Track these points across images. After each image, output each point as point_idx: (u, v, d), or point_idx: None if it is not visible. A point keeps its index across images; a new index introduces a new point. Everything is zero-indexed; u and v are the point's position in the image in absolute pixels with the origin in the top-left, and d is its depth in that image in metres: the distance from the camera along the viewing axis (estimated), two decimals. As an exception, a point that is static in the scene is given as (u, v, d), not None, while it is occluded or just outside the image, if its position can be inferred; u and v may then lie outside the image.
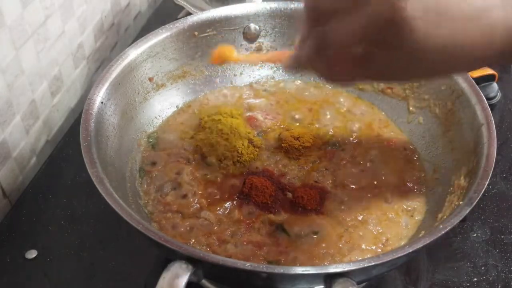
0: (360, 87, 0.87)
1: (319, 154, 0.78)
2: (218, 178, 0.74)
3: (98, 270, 0.72)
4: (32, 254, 0.72)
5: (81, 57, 0.96)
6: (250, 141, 0.78)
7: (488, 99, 0.90)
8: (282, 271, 0.52)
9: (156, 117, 0.82)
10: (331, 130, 0.82)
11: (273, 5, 0.86)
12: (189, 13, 0.99)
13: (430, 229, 0.63)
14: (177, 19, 0.84)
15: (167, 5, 1.20)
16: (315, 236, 0.67)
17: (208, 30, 0.84)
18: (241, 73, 0.89)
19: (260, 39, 0.88)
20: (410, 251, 0.54)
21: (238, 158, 0.75)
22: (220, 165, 0.75)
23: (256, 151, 0.77)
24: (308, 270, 0.51)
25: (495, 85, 0.98)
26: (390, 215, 0.70)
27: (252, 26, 0.87)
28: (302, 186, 0.73)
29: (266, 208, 0.70)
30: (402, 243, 0.67)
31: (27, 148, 0.83)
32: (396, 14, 0.40)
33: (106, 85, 0.71)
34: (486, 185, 0.60)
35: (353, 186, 0.74)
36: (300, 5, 0.86)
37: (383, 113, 0.85)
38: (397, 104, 0.84)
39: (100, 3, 0.99)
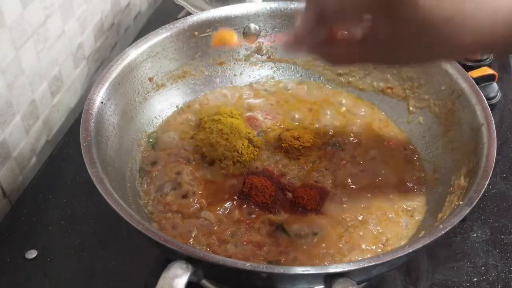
0: (360, 87, 0.87)
1: (319, 154, 0.78)
2: (218, 178, 0.74)
3: (98, 270, 0.72)
4: (32, 254, 0.72)
5: (81, 57, 0.96)
6: (250, 141, 0.78)
7: (488, 99, 0.90)
8: (282, 271, 0.52)
9: (156, 117, 0.82)
10: (331, 130, 0.82)
11: (273, 5, 0.86)
12: (189, 13, 0.99)
13: (430, 229, 0.63)
14: (177, 19, 0.84)
15: (167, 5, 1.20)
16: (315, 236, 0.67)
17: (208, 30, 0.84)
18: (241, 73, 0.90)
19: (260, 39, 0.88)
20: (410, 251, 0.54)
21: (238, 158, 0.75)
22: (220, 165, 0.75)
23: (256, 151, 0.77)
24: (308, 270, 0.51)
25: (495, 85, 0.98)
26: (390, 215, 0.70)
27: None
28: (302, 186, 0.73)
29: (266, 208, 0.70)
30: (402, 243, 0.67)
31: (27, 148, 0.83)
32: None
33: (106, 85, 0.71)
34: (486, 185, 0.60)
35: (353, 186, 0.74)
36: (300, 5, 0.86)
37: (383, 113, 0.85)
38: (397, 104, 0.84)
39: (100, 3, 0.99)
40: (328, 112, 0.85)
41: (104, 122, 0.70)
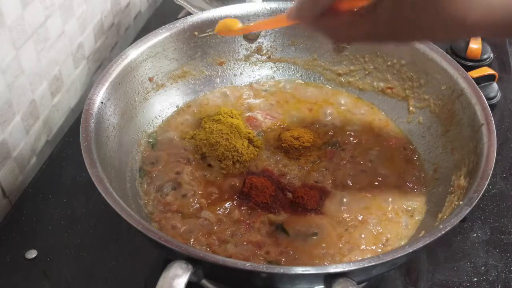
0: (360, 87, 0.87)
1: (319, 154, 0.78)
2: (218, 178, 0.74)
3: (98, 270, 0.72)
4: (32, 254, 0.72)
5: (81, 57, 0.96)
6: (250, 141, 0.78)
7: (488, 99, 0.91)
8: (282, 271, 0.52)
9: (156, 117, 0.82)
10: (331, 130, 0.82)
11: (273, 5, 0.86)
12: (189, 13, 0.99)
13: (430, 229, 0.63)
14: (177, 19, 0.84)
15: (167, 5, 1.20)
16: (315, 236, 0.67)
17: (208, 30, 0.84)
18: (241, 73, 0.90)
19: (260, 39, 0.89)
20: (410, 251, 0.54)
21: (238, 158, 0.75)
22: (220, 165, 0.75)
23: (256, 151, 0.77)
24: (308, 270, 0.51)
25: (495, 85, 0.98)
26: (390, 215, 0.70)
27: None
28: (302, 186, 0.73)
29: (266, 208, 0.70)
30: (402, 243, 0.67)
31: (27, 148, 0.83)
32: None
33: (106, 85, 0.71)
34: (486, 185, 0.60)
35: (353, 186, 0.74)
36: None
37: (383, 113, 0.85)
38: (397, 104, 0.84)
39: (100, 3, 0.99)
40: (328, 112, 0.85)
41: (104, 122, 0.70)
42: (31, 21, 0.78)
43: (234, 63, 0.89)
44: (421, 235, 0.65)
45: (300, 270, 0.52)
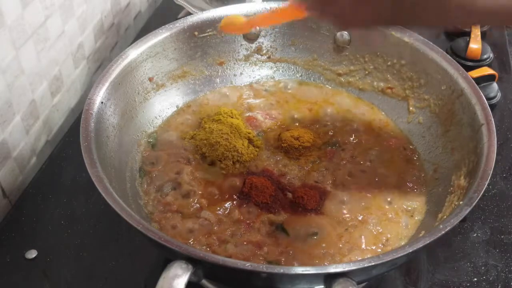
0: (360, 87, 0.87)
1: (319, 154, 0.78)
2: (218, 178, 0.74)
3: (98, 270, 0.72)
4: (32, 254, 0.72)
5: (81, 57, 0.96)
6: (250, 141, 0.78)
7: (488, 99, 0.91)
8: (282, 271, 0.52)
9: (156, 117, 0.82)
10: (331, 130, 0.82)
11: (273, 4, 0.86)
12: (189, 13, 0.99)
13: (430, 229, 0.63)
14: (177, 19, 0.84)
15: (167, 5, 1.20)
16: (315, 236, 0.67)
17: (208, 30, 0.84)
18: (241, 73, 0.90)
19: (260, 39, 0.89)
20: (410, 251, 0.54)
21: (238, 158, 0.75)
22: (220, 165, 0.75)
23: (256, 151, 0.77)
24: (308, 270, 0.51)
25: (495, 85, 0.98)
26: (390, 215, 0.70)
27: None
28: (302, 186, 0.73)
29: (266, 208, 0.70)
30: (402, 243, 0.67)
31: (27, 148, 0.83)
32: None
33: (106, 85, 0.71)
34: (486, 185, 0.60)
35: (353, 186, 0.74)
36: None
37: (383, 113, 0.85)
38: (397, 104, 0.84)
39: (100, 3, 0.99)
40: (328, 112, 0.85)
41: (104, 122, 0.70)
42: (31, 21, 0.78)
43: (234, 63, 0.89)
44: (421, 235, 0.65)
45: (300, 270, 0.52)
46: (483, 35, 1.11)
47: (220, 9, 0.85)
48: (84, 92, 0.99)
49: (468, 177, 0.65)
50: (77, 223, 0.77)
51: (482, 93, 0.72)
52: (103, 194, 0.58)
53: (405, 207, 0.72)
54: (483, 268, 0.72)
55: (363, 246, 0.67)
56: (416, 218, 0.70)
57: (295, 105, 0.86)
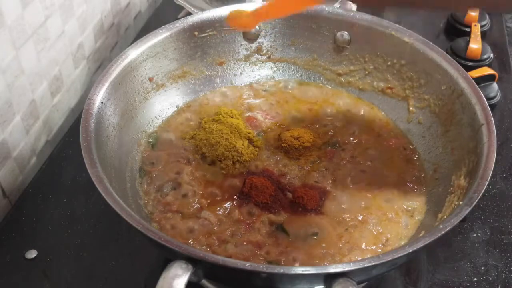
0: (360, 87, 0.87)
1: (319, 154, 0.78)
2: (218, 178, 0.74)
3: (98, 270, 0.72)
4: (32, 254, 0.73)
5: (81, 57, 0.96)
6: (250, 141, 0.78)
7: (488, 99, 0.91)
8: (282, 271, 0.52)
9: (156, 117, 0.82)
10: (331, 130, 0.82)
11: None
12: (189, 13, 0.99)
13: (430, 229, 0.63)
14: (177, 19, 0.84)
15: (167, 5, 1.20)
16: (315, 236, 0.67)
17: (208, 30, 0.84)
18: (241, 73, 0.90)
19: (260, 39, 0.89)
20: (410, 251, 0.54)
21: (238, 158, 0.75)
22: (220, 165, 0.75)
23: (256, 151, 0.77)
24: (308, 270, 0.51)
25: (495, 85, 0.98)
26: (390, 215, 0.70)
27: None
28: (302, 186, 0.73)
29: (266, 208, 0.70)
30: (402, 243, 0.67)
31: (27, 148, 0.83)
32: None
33: (106, 85, 0.71)
34: (486, 185, 0.60)
35: (353, 186, 0.74)
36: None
37: (383, 113, 0.85)
38: (397, 104, 0.84)
39: (100, 3, 0.99)
40: (328, 112, 0.85)
41: (104, 122, 0.70)
42: (31, 21, 0.78)
43: (234, 63, 0.89)
44: (421, 235, 0.65)
45: (300, 270, 0.52)
46: (483, 35, 1.11)
47: (220, 9, 0.85)
48: (84, 92, 0.99)
49: (468, 177, 0.65)
50: (77, 223, 0.77)
51: (482, 93, 0.72)
52: (103, 194, 0.58)
53: (405, 207, 0.72)
54: (483, 268, 0.72)
55: (363, 246, 0.67)
56: (416, 218, 0.70)
57: (295, 105, 0.86)
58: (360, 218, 0.70)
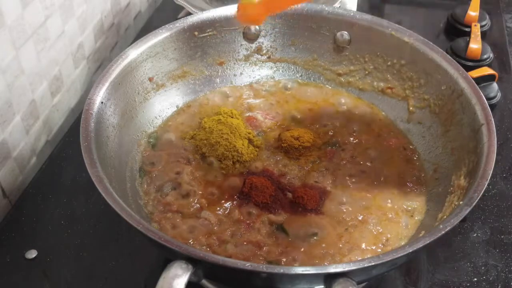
0: (360, 87, 0.87)
1: (319, 154, 0.78)
2: (218, 178, 0.74)
3: (98, 270, 0.72)
4: (32, 254, 0.72)
5: (81, 57, 0.96)
6: (250, 141, 0.78)
7: (488, 99, 0.91)
8: (282, 271, 0.52)
9: (156, 117, 0.82)
10: (331, 130, 0.82)
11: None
12: (189, 13, 0.99)
13: (430, 229, 0.63)
14: (177, 19, 0.84)
15: (167, 5, 1.20)
16: (315, 236, 0.67)
17: (208, 30, 0.84)
18: (241, 73, 0.90)
19: (260, 39, 0.89)
20: (410, 251, 0.54)
21: (238, 158, 0.75)
22: (220, 165, 0.75)
23: (256, 151, 0.77)
24: (308, 270, 0.51)
25: (495, 85, 0.98)
26: (390, 215, 0.70)
27: (252, 26, 0.87)
28: (302, 186, 0.73)
29: (266, 208, 0.70)
30: (402, 243, 0.67)
31: (27, 148, 0.83)
32: None
33: (106, 85, 0.71)
34: (486, 185, 0.60)
35: (353, 186, 0.74)
36: (300, 6, 0.86)
37: (383, 113, 0.85)
38: (397, 104, 0.84)
39: (100, 3, 0.99)
40: (328, 112, 0.85)
41: (104, 122, 0.70)
42: (31, 21, 0.78)
43: (234, 63, 0.89)
44: (421, 235, 0.65)
45: (300, 270, 0.52)
46: (483, 35, 1.11)
47: (220, 9, 0.85)
48: (84, 92, 0.99)
49: (468, 177, 0.65)
50: (77, 223, 0.77)
51: (482, 93, 0.72)
52: (103, 194, 0.58)
53: (405, 207, 0.72)
54: (483, 268, 0.72)
55: (363, 246, 0.67)
56: (416, 218, 0.70)
57: (295, 105, 0.86)
58: (360, 218, 0.70)
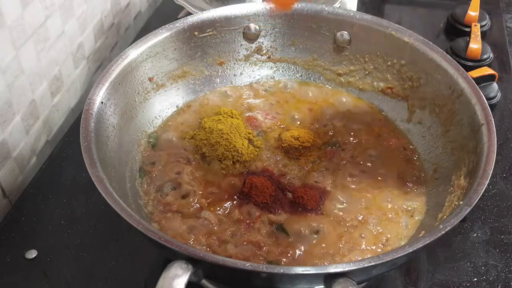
0: (360, 87, 0.87)
1: (319, 154, 0.78)
2: (218, 178, 0.74)
3: (98, 270, 0.72)
4: (32, 254, 0.72)
5: (81, 57, 0.96)
6: (250, 141, 0.78)
7: (488, 99, 0.91)
8: (282, 271, 0.52)
9: (156, 117, 0.82)
10: (331, 130, 0.82)
11: (273, 5, 0.86)
12: (189, 13, 0.99)
13: (430, 229, 0.63)
14: (177, 19, 0.84)
15: (167, 5, 1.20)
16: (315, 236, 0.67)
17: (208, 30, 0.84)
18: (241, 73, 0.90)
19: (260, 39, 0.89)
20: (410, 251, 0.54)
21: (238, 158, 0.75)
22: (220, 165, 0.75)
23: (256, 151, 0.77)
24: (308, 270, 0.51)
25: (495, 85, 0.98)
26: (390, 215, 0.70)
27: (252, 26, 0.87)
28: (302, 186, 0.73)
29: (266, 208, 0.70)
30: (402, 243, 0.67)
31: (27, 148, 0.83)
32: None
33: (106, 85, 0.71)
34: (486, 185, 0.60)
35: (353, 186, 0.74)
36: (300, 6, 0.86)
37: (383, 113, 0.85)
38: (397, 104, 0.84)
39: (100, 3, 0.99)
40: (328, 112, 0.85)
41: (104, 122, 0.70)
42: (31, 21, 0.78)
43: (234, 63, 0.89)
44: (421, 235, 0.65)
45: (300, 270, 0.51)
46: (483, 35, 1.11)
47: (220, 9, 0.85)
48: (84, 92, 0.99)
49: (468, 177, 0.65)
50: (77, 223, 0.77)
51: (482, 93, 0.72)
52: (103, 194, 0.58)
53: (405, 207, 0.72)
54: (483, 268, 0.72)
55: (363, 246, 0.67)
56: (416, 218, 0.70)
57: (295, 105, 0.86)
58: (360, 218, 0.70)
